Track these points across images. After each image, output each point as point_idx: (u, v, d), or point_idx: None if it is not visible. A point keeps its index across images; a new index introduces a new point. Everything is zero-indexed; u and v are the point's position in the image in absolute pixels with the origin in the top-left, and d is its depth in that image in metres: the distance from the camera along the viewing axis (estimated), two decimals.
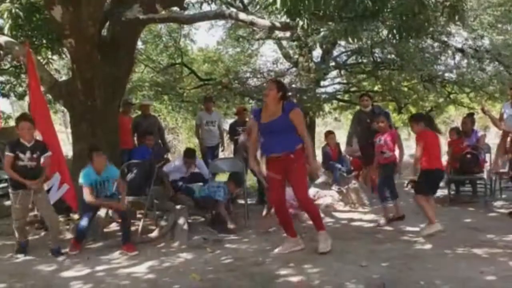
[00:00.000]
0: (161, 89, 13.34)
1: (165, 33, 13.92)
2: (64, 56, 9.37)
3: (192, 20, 7.70)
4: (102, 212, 5.89)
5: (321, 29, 9.53)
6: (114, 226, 6.02)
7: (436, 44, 11.15)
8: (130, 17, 7.03)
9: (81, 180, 5.13)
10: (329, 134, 8.61)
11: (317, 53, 13.05)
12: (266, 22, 6.68)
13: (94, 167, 5.13)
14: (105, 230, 5.72)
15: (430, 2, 6.24)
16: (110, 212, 5.93)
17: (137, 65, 12.92)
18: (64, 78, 11.03)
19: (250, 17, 6.76)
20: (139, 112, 8.87)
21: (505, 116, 6.43)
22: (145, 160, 6.07)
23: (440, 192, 7.78)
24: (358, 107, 15.16)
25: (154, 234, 5.39)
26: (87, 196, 5.07)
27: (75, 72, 6.84)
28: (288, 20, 6.66)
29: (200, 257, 4.64)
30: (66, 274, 4.21)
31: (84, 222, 5.04)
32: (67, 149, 8.82)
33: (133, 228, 5.84)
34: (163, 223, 5.56)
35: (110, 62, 7.17)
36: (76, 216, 6.16)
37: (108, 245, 5.20)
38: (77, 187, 6.22)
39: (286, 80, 13.67)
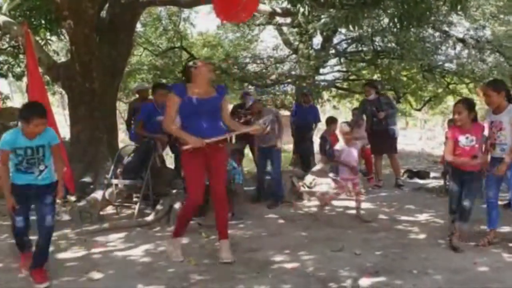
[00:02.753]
0: (160, 72, 13.29)
1: (165, 16, 13.83)
2: (63, 37, 9.33)
3: (192, 3, 7.66)
4: (98, 195, 5.91)
5: (322, 16, 9.48)
6: (110, 209, 6.03)
7: (437, 34, 11.11)
8: None
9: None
10: (331, 121, 8.38)
11: (318, 40, 13.01)
12: (266, 7, 6.65)
13: (25, 131, 3.49)
14: (101, 212, 5.72)
15: None
16: (107, 194, 5.95)
17: (136, 48, 12.86)
18: (63, 60, 10.98)
19: None
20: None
21: None
22: (142, 144, 6.03)
23: (436, 183, 7.85)
24: (357, 96, 15.25)
25: (150, 218, 5.40)
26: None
27: (73, 54, 6.81)
28: (289, 6, 6.64)
29: (195, 242, 4.66)
30: (62, 255, 4.23)
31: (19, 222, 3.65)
32: (65, 131, 8.81)
33: (129, 212, 5.88)
34: (159, 207, 5.56)
35: (109, 45, 7.15)
36: (73, 198, 6.18)
37: (104, 227, 5.19)
38: (75, 169, 6.24)
39: (285, 67, 13.67)
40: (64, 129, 9.54)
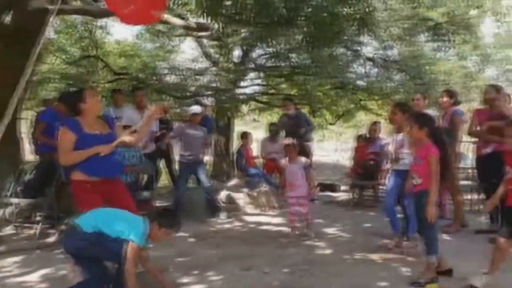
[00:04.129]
0: (73, 82, 12.70)
1: (80, 24, 13.26)
2: None
3: (105, 13, 7.42)
4: None
5: (242, 31, 9.55)
6: (9, 230, 5.63)
7: (348, 53, 11.59)
8: (36, 6, 6.63)
9: (136, 238, 3.38)
10: (244, 136, 8.53)
11: (238, 53, 13.08)
12: (180, 21, 6.58)
13: (155, 235, 3.56)
14: None
15: (342, 13, 6.49)
16: (6, 213, 5.56)
17: (47, 56, 12.23)
18: None
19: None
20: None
21: None
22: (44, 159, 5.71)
23: (345, 196, 8.16)
24: (276, 109, 15.53)
25: (52, 239, 5.10)
26: (135, 259, 3.39)
27: None
28: (203, 21, 6.64)
29: None
30: None
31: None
32: None
33: (30, 232, 5.51)
34: (63, 227, 5.27)
35: (15, 53, 6.71)
36: None
37: (0, 251, 4.82)
38: None
39: (205, 79, 13.62)
40: None
